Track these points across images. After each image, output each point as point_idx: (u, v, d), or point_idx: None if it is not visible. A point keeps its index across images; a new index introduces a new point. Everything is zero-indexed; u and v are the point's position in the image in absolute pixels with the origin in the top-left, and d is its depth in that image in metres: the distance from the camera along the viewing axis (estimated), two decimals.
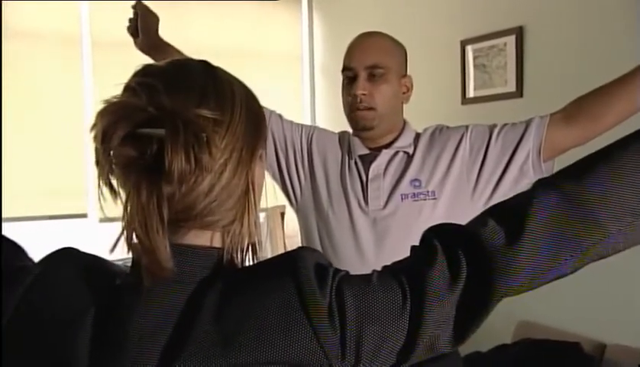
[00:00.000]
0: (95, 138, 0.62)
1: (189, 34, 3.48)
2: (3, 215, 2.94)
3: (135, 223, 0.61)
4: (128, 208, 0.62)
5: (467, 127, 1.46)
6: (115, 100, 0.63)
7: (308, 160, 1.55)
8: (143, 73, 0.67)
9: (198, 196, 0.64)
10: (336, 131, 1.63)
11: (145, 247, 0.61)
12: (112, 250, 0.63)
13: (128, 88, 0.65)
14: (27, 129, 3.25)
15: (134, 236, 0.62)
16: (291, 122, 1.59)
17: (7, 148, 3.09)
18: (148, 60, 1.52)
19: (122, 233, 0.63)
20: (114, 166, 0.63)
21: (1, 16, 2.93)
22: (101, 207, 0.65)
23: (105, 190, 0.65)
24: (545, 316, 2.58)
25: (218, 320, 0.62)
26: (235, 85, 0.70)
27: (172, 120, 0.60)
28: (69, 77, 3.35)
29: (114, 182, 0.65)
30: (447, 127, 1.51)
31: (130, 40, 1.60)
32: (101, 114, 0.61)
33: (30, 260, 0.77)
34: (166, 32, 1.60)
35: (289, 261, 0.66)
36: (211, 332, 0.61)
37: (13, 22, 3.20)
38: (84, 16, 3.34)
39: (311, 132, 1.58)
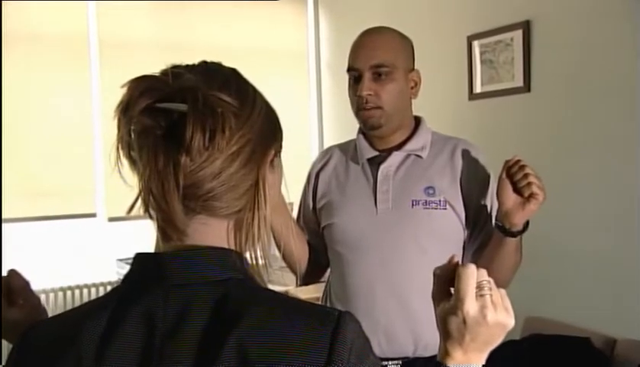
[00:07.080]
0: (119, 108, 0.65)
1: (195, 34, 3.48)
2: (12, 216, 2.96)
3: (152, 185, 0.64)
4: (146, 174, 0.64)
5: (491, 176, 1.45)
6: (142, 75, 0.66)
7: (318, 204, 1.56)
8: (175, 65, 0.71)
9: (206, 176, 0.66)
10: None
11: (161, 207, 0.64)
12: (129, 211, 0.66)
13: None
14: (34, 129, 3.27)
15: (150, 200, 0.64)
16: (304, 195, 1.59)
17: (16, 148, 3.11)
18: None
19: (139, 196, 0.65)
20: (132, 135, 0.66)
21: (1, 16, 2.94)
22: (119, 171, 0.67)
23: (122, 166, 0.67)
24: (554, 311, 2.56)
25: (239, 346, 0.61)
26: (258, 92, 0.73)
27: (193, 94, 0.63)
28: (77, 77, 3.37)
29: (132, 153, 0.67)
30: (479, 151, 1.47)
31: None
32: (127, 86, 0.65)
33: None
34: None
35: (329, 325, 0.63)
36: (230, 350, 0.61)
37: (20, 23, 3.22)
38: (91, 16, 3.35)
39: (313, 181, 1.57)
